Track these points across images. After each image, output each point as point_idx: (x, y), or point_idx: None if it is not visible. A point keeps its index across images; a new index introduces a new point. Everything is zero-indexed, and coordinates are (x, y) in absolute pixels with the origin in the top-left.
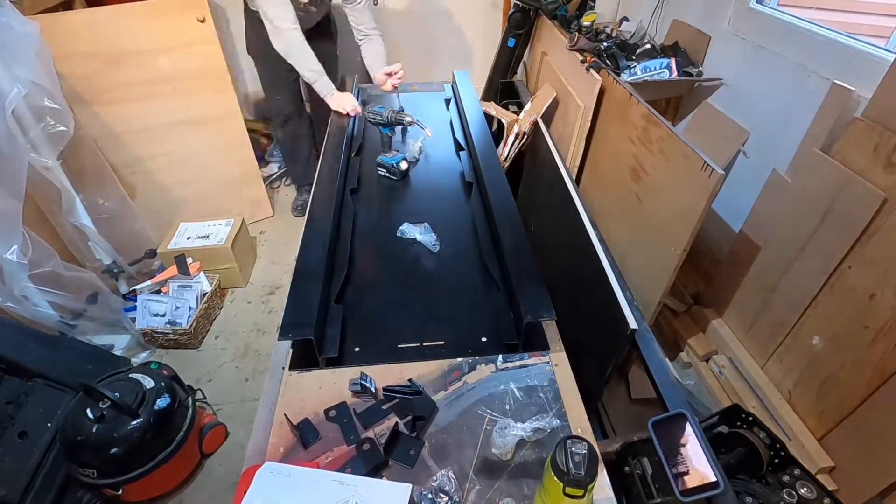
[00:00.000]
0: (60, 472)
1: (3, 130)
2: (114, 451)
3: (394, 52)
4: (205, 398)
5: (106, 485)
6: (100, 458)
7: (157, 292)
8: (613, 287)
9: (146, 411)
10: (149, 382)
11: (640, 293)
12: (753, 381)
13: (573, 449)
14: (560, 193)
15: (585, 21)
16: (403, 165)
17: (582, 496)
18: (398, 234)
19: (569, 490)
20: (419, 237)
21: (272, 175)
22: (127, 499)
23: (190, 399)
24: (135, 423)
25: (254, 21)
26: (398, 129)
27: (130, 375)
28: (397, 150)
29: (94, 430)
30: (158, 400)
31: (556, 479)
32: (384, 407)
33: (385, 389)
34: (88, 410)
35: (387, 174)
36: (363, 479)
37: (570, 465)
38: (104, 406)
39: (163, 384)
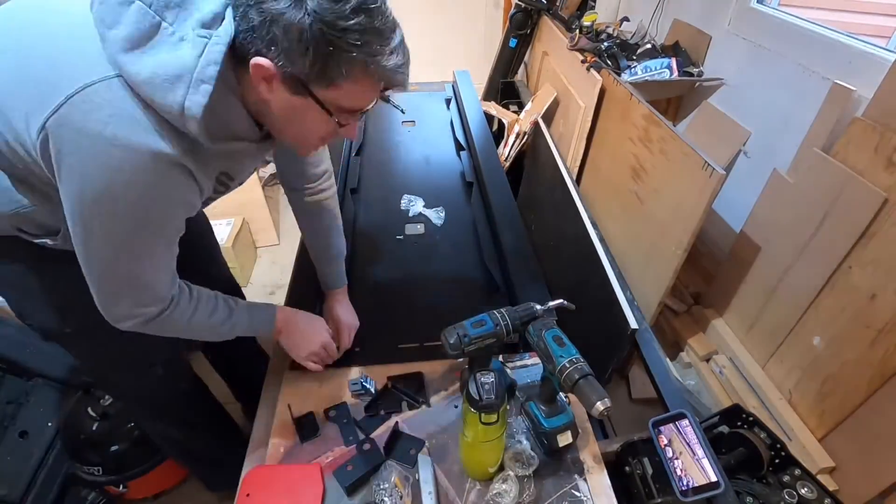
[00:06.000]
0: (62, 472)
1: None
2: (117, 447)
3: None
4: None
5: (111, 482)
6: (104, 456)
7: None
8: (614, 287)
9: None
10: None
11: (640, 293)
12: (754, 381)
13: (482, 379)
14: (560, 193)
15: (586, 21)
16: None
17: (496, 421)
18: (402, 208)
19: (484, 418)
20: (423, 210)
21: (269, 174)
22: (131, 496)
23: None
24: None
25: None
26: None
27: None
28: None
29: (96, 428)
30: None
31: (472, 410)
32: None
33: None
34: (90, 408)
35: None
36: None
37: (482, 393)
38: (106, 403)
39: None
